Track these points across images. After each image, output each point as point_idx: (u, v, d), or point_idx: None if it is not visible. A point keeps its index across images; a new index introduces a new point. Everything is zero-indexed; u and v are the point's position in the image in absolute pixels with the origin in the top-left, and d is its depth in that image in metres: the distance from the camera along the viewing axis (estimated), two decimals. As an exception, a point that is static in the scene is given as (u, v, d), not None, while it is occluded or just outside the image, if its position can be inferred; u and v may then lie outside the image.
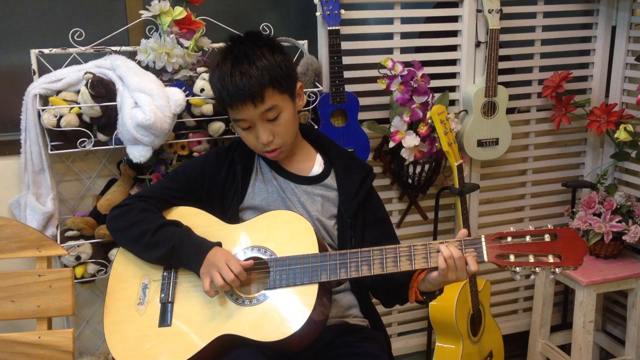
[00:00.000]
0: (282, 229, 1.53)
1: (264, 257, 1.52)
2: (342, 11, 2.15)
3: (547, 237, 1.38)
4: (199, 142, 2.06)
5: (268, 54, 1.55)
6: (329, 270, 1.45)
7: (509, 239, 1.39)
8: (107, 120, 1.89)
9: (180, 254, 1.53)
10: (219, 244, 1.54)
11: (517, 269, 1.37)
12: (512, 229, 1.42)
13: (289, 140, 1.62)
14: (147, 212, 1.60)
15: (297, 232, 1.51)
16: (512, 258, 1.37)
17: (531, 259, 1.37)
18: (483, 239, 1.40)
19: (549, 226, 1.40)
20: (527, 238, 1.39)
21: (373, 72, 2.28)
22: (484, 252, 1.39)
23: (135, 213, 1.59)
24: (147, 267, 1.60)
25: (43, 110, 1.85)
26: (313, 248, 1.48)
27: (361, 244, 1.63)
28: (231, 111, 1.58)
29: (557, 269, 1.37)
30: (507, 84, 2.45)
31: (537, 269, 1.37)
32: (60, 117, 1.85)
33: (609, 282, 2.38)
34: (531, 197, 2.75)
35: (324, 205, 1.67)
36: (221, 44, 1.63)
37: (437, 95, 2.37)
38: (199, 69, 2.03)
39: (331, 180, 1.70)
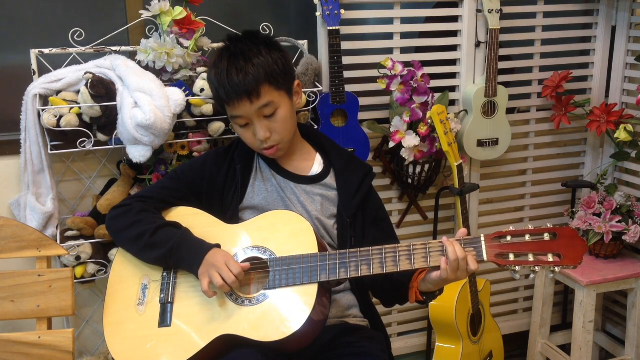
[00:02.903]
0: (282, 228, 1.53)
1: (263, 257, 1.51)
2: (342, 11, 2.15)
3: (546, 236, 1.37)
4: (199, 142, 2.06)
5: (264, 51, 1.56)
6: (328, 270, 1.45)
7: (509, 238, 1.39)
8: (107, 120, 1.89)
9: (179, 255, 1.53)
10: (218, 246, 1.54)
11: (517, 268, 1.37)
12: (511, 228, 1.42)
13: (286, 137, 1.63)
14: (146, 212, 1.60)
15: (296, 232, 1.51)
16: (511, 257, 1.37)
17: (531, 258, 1.36)
18: (482, 239, 1.40)
19: (549, 225, 1.40)
20: (527, 237, 1.38)
21: (373, 72, 2.28)
22: (484, 251, 1.39)
23: (134, 214, 1.59)
24: (147, 267, 1.59)
25: (43, 110, 1.85)
26: (312, 248, 1.48)
27: (361, 243, 1.63)
28: (228, 108, 1.59)
29: (556, 268, 1.37)
30: (507, 84, 2.45)
31: (536, 268, 1.37)
32: (60, 117, 1.85)
33: (609, 282, 2.38)
34: (531, 197, 2.75)
35: (324, 205, 1.67)
36: (221, 44, 1.64)
37: (437, 95, 2.37)
38: (199, 69, 2.03)
39: (331, 179, 1.70)
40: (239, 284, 1.47)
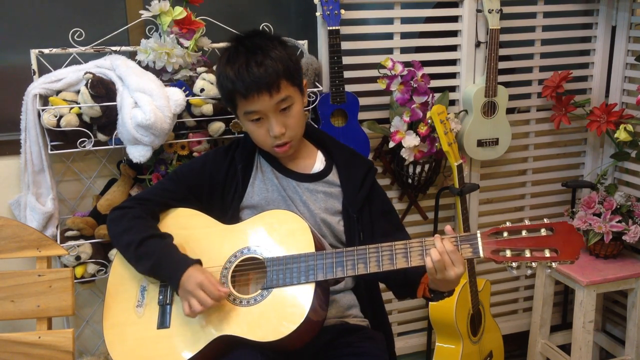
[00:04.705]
0: (279, 228, 1.54)
1: (260, 256, 1.52)
2: (342, 11, 2.15)
3: (543, 232, 1.37)
4: (199, 142, 2.06)
5: (279, 46, 1.57)
6: (325, 269, 1.45)
7: (505, 234, 1.39)
8: (107, 120, 1.89)
9: (161, 274, 1.53)
10: (198, 262, 1.51)
11: (514, 264, 1.37)
12: (508, 224, 1.41)
13: (299, 134, 1.64)
14: (138, 219, 1.59)
15: (293, 231, 1.51)
16: (508, 253, 1.37)
17: (527, 253, 1.36)
18: (479, 235, 1.40)
19: (545, 220, 1.39)
20: (523, 233, 1.38)
21: (373, 72, 2.28)
22: (480, 247, 1.39)
23: (127, 220, 1.58)
24: (146, 269, 1.60)
25: (43, 110, 1.85)
26: (309, 247, 1.48)
27: (371, 237, 1.63)
28: (245, 103, 1.56)
29: (553, 264, 1.37)
30: (507, 84, 2.45)
31: (533, 263, 1.36)
32: (60, 117, 1.86)
33: (609, 282, 2.38)
34: (531, 197, 2.75)
35: (327, 202, 1.67)
36: (221, 44, 1.64)
37: (437, 95, 2.37)
38: (199, 69, 2.03)
39: (333, 176, 1.70)
40: (218, 303, 1.46)
